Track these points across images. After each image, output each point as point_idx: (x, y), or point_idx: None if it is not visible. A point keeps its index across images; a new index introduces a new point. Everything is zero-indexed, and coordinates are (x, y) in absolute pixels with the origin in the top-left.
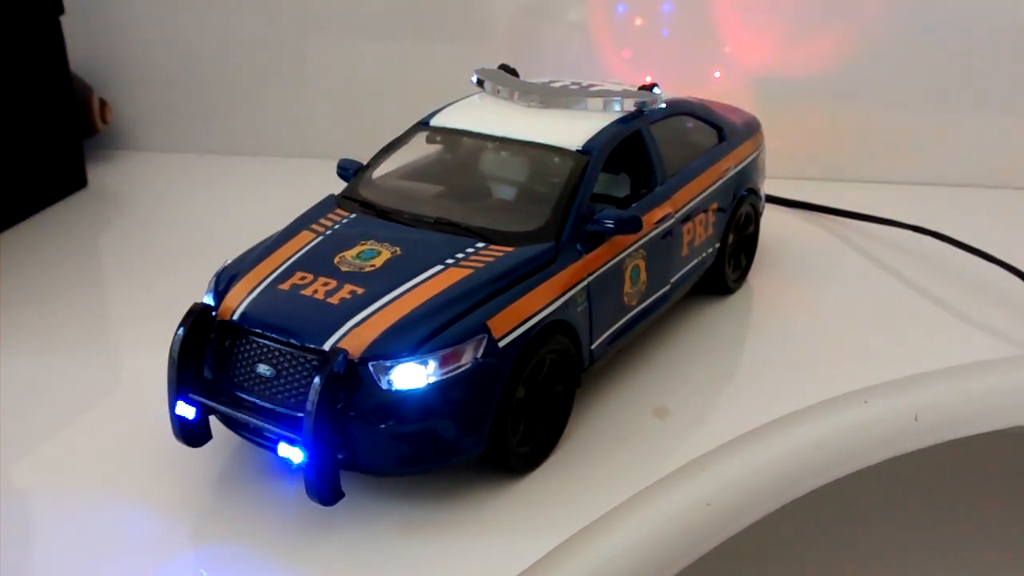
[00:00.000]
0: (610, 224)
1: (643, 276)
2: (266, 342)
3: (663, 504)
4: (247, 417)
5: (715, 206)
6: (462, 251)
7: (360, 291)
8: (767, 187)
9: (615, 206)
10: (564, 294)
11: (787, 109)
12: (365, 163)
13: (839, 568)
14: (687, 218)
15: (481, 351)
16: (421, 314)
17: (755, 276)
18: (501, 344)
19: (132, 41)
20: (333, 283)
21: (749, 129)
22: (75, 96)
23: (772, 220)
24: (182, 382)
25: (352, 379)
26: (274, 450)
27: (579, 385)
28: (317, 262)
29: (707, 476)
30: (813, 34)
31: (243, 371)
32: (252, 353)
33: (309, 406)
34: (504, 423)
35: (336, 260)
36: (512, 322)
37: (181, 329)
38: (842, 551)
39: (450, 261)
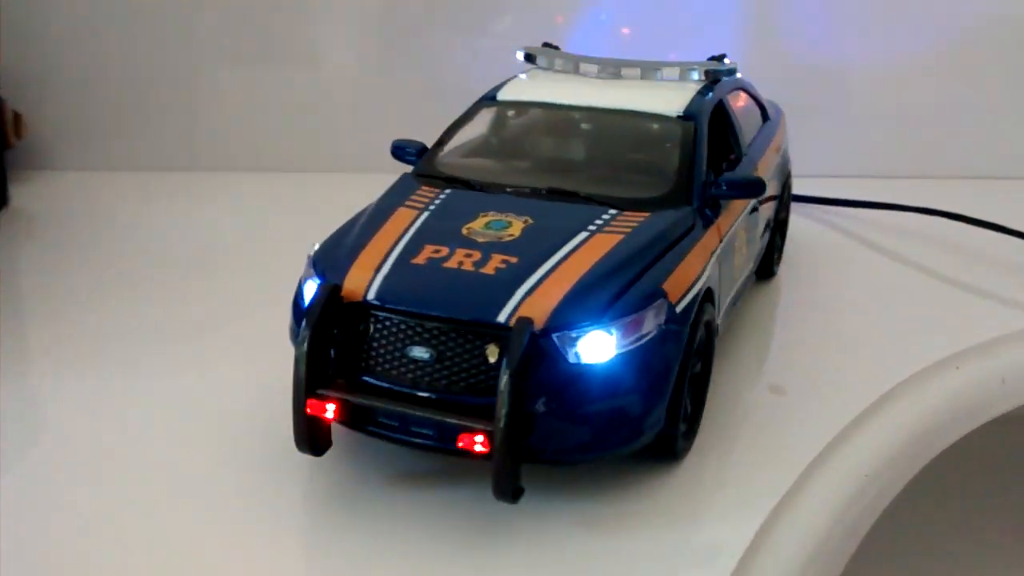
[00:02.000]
0: (737, 188)
1: (744, 249)
2: (419, 321)
3: None
4: (400, 410)
5: (775, 184)
6: (598, 218)
7: (514, 260)
8: None
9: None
10: (709, 259)
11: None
12: (432, 142)
13: None
14: None
15: (663, 317)
16: (594, 280)
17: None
18: (678, 309)
19: (51, 56)
20: (476, 254)
21: (778, 112)
22: None
23: None
24: (312, 379)
25: (534, 354)
26: (431, 446)
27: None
28: (444, 234)
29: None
30: (804, 22)
31: (389, 358)
32: (400, 336)
33: (501, 387)
34: (678, 401)
35: (465, 232)
36: (682, 286)
37: (307, 317)
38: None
39: (592, 228)
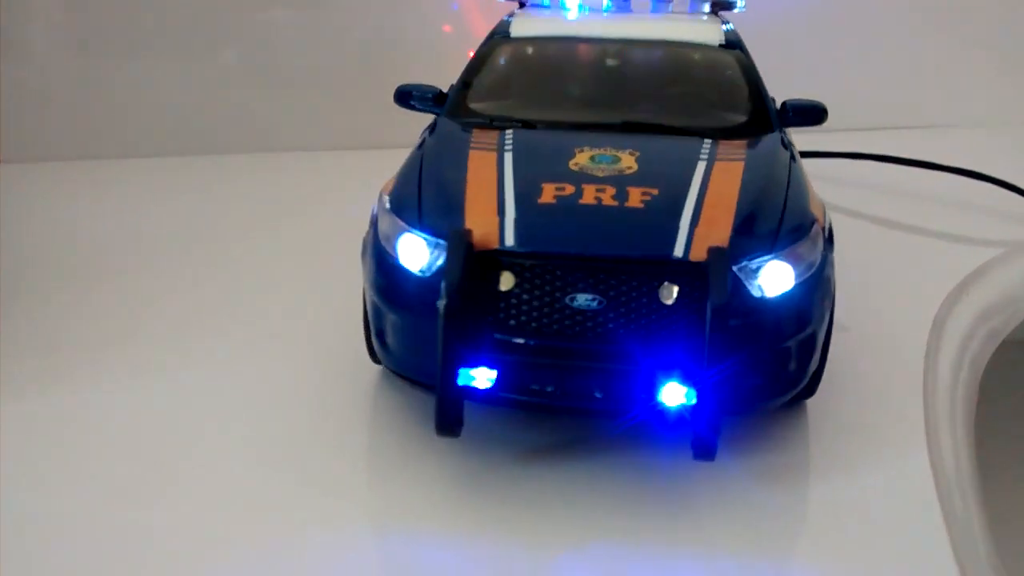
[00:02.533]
0: (806, 114)
1: None
2: (581, 264)
3: None
4: (569, 367)
5: None
6: (701, 148)
7: (655, 191)
8: None
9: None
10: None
11: None
12: (452, 85)
13: None
14: None
15: (822, 243)
16: (749, 209)
17: None
18: (826, 235)
19: None
20: (610, 189)
21: None
22: None
23: None
24: (456, 346)
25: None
26: (600, 409)
27: None
28: (556, 172)
29: None
30: None
31: (547, 312)
32: (559, 284)
33: (710, 328)
34: (829, 334)
35: (575, 168)
36: (820, 210)
37: (449, 272)
38: None
39: (704, 156)
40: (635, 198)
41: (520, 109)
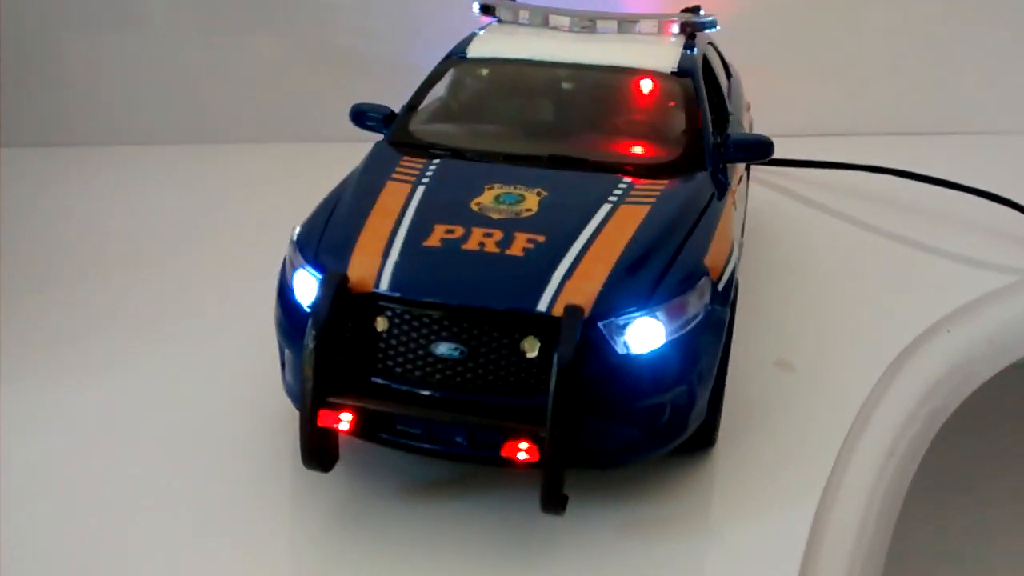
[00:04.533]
0: (748, 150)
1: (742, 215)
2: (446, 313)
3: None
4: (431, 416)
5: None
6: (615, 188)
7: (541, 239)
8: None
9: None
10: (734, 228)
11: None
12: (404, 105)
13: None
14: None
15: (708, 297)
16: (632, 260)
17: None
18: (720, 287)
19: None
20: (498, 233)
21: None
22: None
23: None
24: (321, 385)
25: (581, 346)
26: (466, 454)
27: None
28: (453, 212)
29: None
30: None
31: (411, 358)
32: (424, 331)
33: (554, 386)
34: (721, 386)
35: (475, 208)
36: (721, 260)
37: (316, 312)
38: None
39: (612, 199)
40: (518, 245)
41: (457, 137)
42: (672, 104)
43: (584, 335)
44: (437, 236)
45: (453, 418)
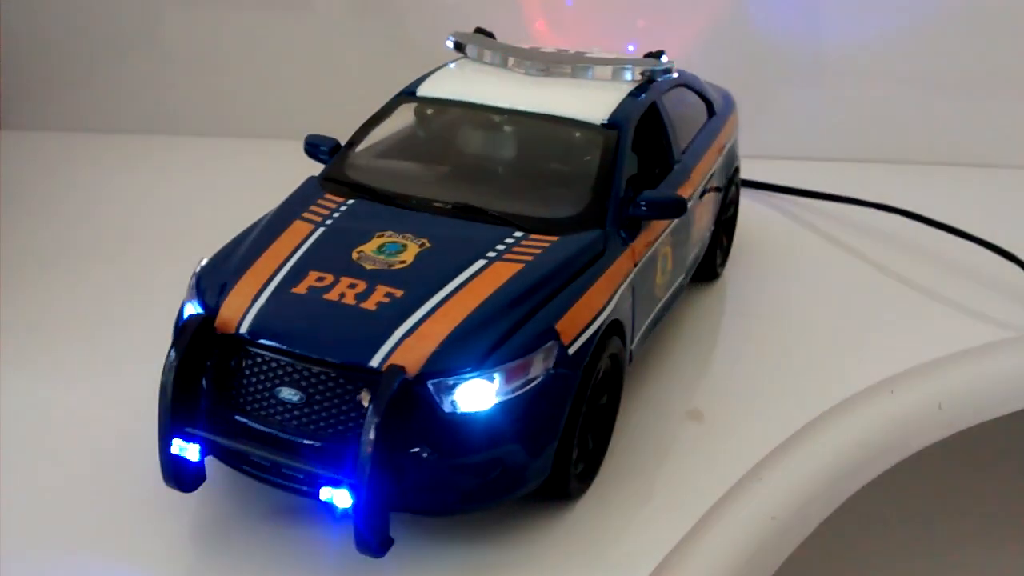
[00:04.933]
0: (654, 208)
1: (670, 264)
2: (290, 360)
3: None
4: (268, 454)
5: (715, 185)
6: (501, 242)
7: (399, 294)
8: None
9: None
10: (618, 289)
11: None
12: (345, 140)
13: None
14: (699, 198)
15: (552, 361)
16: (480, 320)
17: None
18: (571, 351)
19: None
20: (362, 284)
21: (728, 103)
22: None
23: None
24: (177, 415)
25: (407, 402)
26: (303, 491)
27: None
28: (332, 259)
29: (765, 487)
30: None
31: (259, 397)
32: (271, 375)
33: (365, 438)
34: (569, 443)
35: (355, 256)
36: (579, 324)
37: (174, 350)
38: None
39: (492, 254)
40: (375, 299)
41: (380, 177)
42: (588, 158)
43: (414, 392)
44: (306, 283)
45: (271, 457)
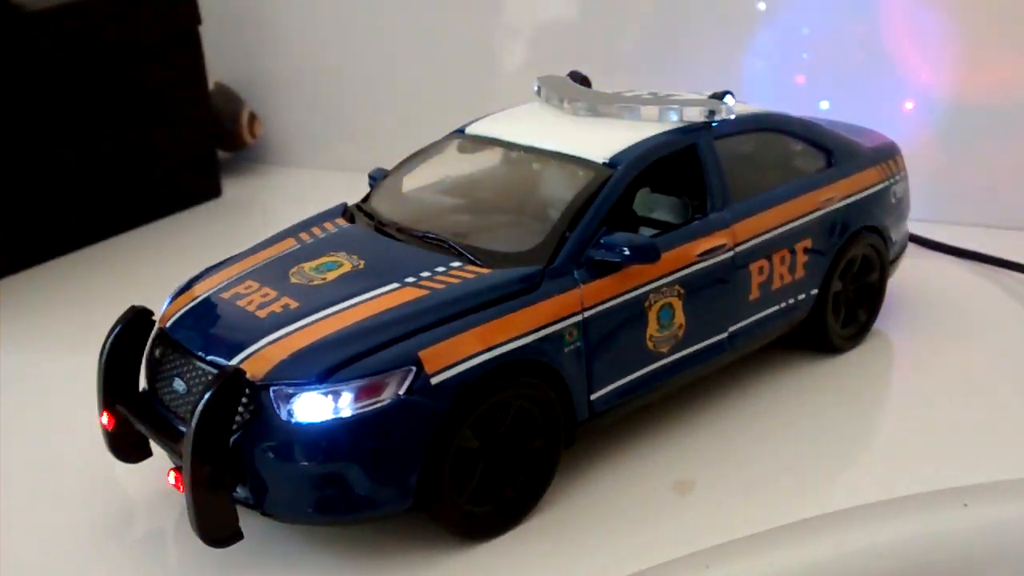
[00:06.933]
0: (619, 251)
1: (679, 318)
2: (183, 354)
3: None
4: (155, 436)
5: (807, 244)
6: (430, 269)
7: (293, 305)
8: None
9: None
10: (542, 328)
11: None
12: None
13: None
14: (758, 254)
15: (406, 386)
16: (344, 336)
17: (888, 333)
18: (435, 380)
19: (279, 55)
20: (272, 294)
21: (878, 155)
22: (212, 107)
23: (929, 269)
24: (109, 391)
25: (254, 404)
26: None
27: (571, 443)
28: (272, 272)
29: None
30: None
31: (165, 384)
32: (174, 366)
33: (189, 428)
34: (440, 476)
35: (292, 271)
36: (454, 356)
37: (112, 332)
38: None
39: (410, 280)
40: (272, 308)
41: (386, 205)
42: (570, 194)
43: (258, 397)
44: (235, 291)
45: (168, 442)
